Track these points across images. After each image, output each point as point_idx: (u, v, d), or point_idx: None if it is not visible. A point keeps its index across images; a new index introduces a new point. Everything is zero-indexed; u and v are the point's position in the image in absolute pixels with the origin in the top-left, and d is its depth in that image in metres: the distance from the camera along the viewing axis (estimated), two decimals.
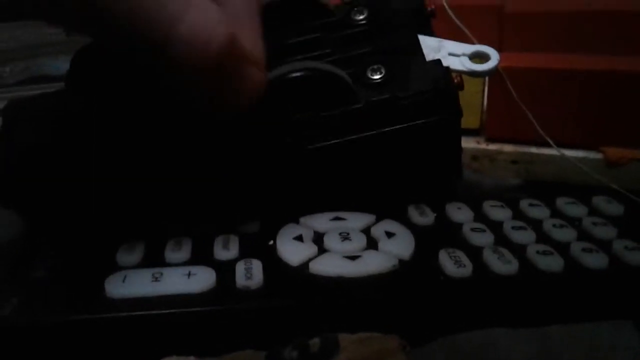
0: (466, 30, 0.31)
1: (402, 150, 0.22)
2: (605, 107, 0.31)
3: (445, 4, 0.32)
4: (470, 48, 0.23)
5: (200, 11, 0.16)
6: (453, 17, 0.32)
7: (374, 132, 0.22)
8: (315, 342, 0.17)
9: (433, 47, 0.23)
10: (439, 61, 0.22)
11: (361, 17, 0.23)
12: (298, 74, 0.21)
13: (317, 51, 0.22)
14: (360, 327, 0.18)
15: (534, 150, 0.32)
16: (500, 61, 0.22)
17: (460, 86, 0.22)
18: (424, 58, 0.22)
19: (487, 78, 0.31)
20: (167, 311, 0.18)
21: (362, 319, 0.18)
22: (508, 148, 0.33)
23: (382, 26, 0.23)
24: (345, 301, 0.18)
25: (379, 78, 0.22)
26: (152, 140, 0.22)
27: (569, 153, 0.30)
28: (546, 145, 0.30)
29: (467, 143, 0.31)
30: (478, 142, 0.33)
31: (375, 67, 0.22)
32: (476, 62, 0.23)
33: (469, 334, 0.18)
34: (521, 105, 0.28)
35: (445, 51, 0.23)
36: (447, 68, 0.22)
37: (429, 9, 0.24)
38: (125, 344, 0.18)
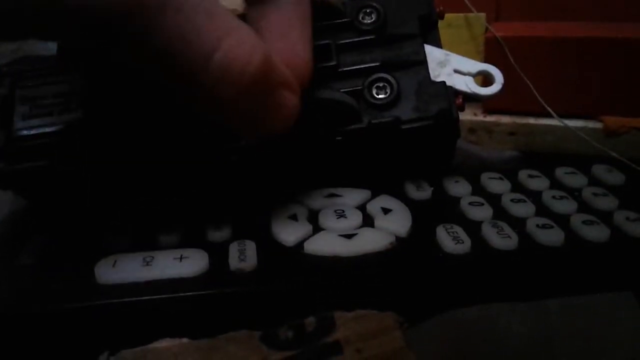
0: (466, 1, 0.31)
1: (398, 150, 0.23)
2: (605, 76, 0.30)
3: None
4: (476, 67, 0.23)
5: (237, 38, 0.16)
6: None
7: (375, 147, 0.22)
8: (310, 321, 0.17)
9: (439, 61, 0.23)
10: (443, 84, 0.22)
11: (369, 21, 0.23)
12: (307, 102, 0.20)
13: (324, 62, 0.22)
14: (357, 306, 0.17)
15: (532, 121, 0.31)
16: (504, 84, 0.23)
17: (462, 107, 0.22)
18: (429, 77, 0.22)
19: (484, 47, 0.31)
20: (160, 297, 0.17)
21: (358, 298, 0.17)
22: (506, 119, 0.32)
23: (389, 35, 0.23)
24: (342, 281, 0.18)
25: (384, 98, 0.22)
26: (144, 122, 0.21)
27: (568, 123, 0.29)
28: (544, 115, 0.29)
29: (464, 115, 0.31)
30: (475, 114, 0.32)
31: (381, 85, 0.22)
32: (479, 82, 0.23)
33: (467, 309, 0.18)
34: (521, 75, 0.28)
35: (450, 67, 0.22)
36: (452, 92, 0.22)
37: (438, 10, 0.23)
38: (117, 330, 0.17)
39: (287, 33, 0.19)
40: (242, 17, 0.19)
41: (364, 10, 0.23)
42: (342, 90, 0.22)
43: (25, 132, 0.22)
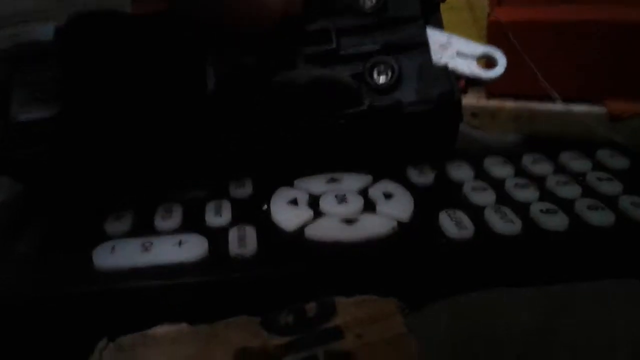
0: None
1: (400, 134, 0.23)
2: (610, 59, 0.30)
3: None
4: (478, 49, 0.22)
5: None
6: None
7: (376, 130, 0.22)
8: (311, 306, 0.17)
9: (441, 44, 0.22)
10: (445, 67, 0.22)
11: (370, 4, 0.22)
12: (303, 81, 0.21)
13: (325, 45, 0.22)
14: (359, 292, 0.17)
15: (535, 105, 0.31)
16: (506, 67, 0.22)
17: (464, 91, 0.22)
18: (431, 60, 0.22)
19: (486, 31, 0.30)
20: (159, 282, 0.17)
21: (360, 284, 0.17)
22: (509, 103, 0.32)
23: (390, 17, 0.22)
24: (343, 266, 0.18)
25: (385, 82, 0.22)
26: (140, 107, 0.21)
27: (572, 107, 0.29)
28: (548, 100, 0.29)
29: (467, 99, 0.31)
30: (478, 98, 0.32)
31: (382, 68, 0.22)
32: (481, 65, 0.22)
33: (470, 295, 0.18)
34: (524, 58, 0.27)
35: (453, 50, 0.22)
36: (454, 75, 0.22)
37: None
38: (115, 316, 0.17)
39: None
40: None
41: None
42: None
43: (23, 118, 0.21)
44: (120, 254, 0.18)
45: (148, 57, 0.22)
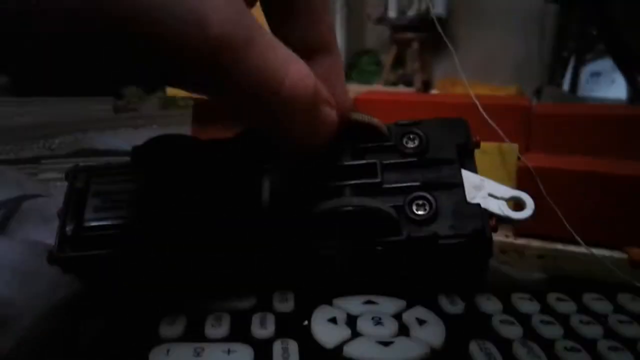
0: (497, 128, 0.33)
1: (434, 264, 0.24)
2: (630, 209, 0.32)
3: (477, 103, 0.34)
4: (509, 192, 0.24)
5: (298, 68, 0.19)
6: (485, 115, 0.33)
7: (412, 259, 0.24)
8: None
9: (475, 185, 0.24)
10: (478, 205, 0.24)
11: (412, 145, 0.25)
12: (350, 208, 0.23)
13: (370, 179, 0.24)
14: None
15: (560, 246, 0.33)
16: (534, 210, 0.24)
17: (495, 229, 0.23)
18: (466, 199, 0.24)
19: (516, 175, 0.33)
20: None
21: None
22: (535, 243, 0.33)
23: (430, 159, 0.25)
24: None
25: (423, 214, 0.23)
26: (200, 218, 0.23)
27: (595, 251, 0.31)
28: (572, 242, 0.30)
29: (497, 236, 0.32)
30: (507, 236, 0.34)
31: (421, 202, 0.24)
32: (511, 206, 0.24)
33: None
34: (550, 202, 0.29)
35: (485, 191, 0.24)
36: (486, 214, 0.24)
37: (475, 139, 0.25)
38: None
39: (334, 78, 0.24)
40: None
41: (407, 135, 0.25)
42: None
43: (94, 223, 0.24)
44: (175, 357, 0.19)
45: (210, 175, 0.24)
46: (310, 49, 0.22)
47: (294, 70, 0.19)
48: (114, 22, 0.15)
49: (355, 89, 0.55)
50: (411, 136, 0.25)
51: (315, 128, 0.21)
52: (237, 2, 0.18)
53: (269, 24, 0.23)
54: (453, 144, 0.25)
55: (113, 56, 0.17)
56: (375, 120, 0.25)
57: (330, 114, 0.22)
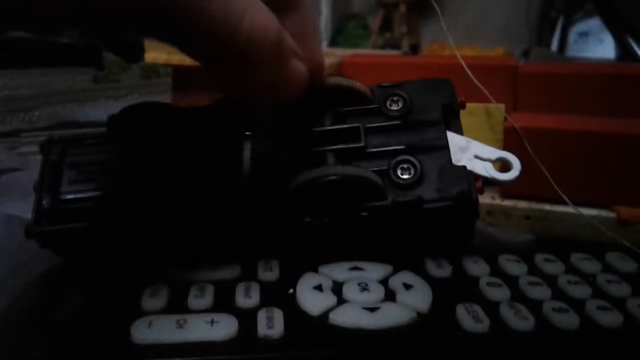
0: (483, 88, 0.32)
1: (420, 228, 0.24)
2: (619, 168, 0.31)
3: (463, 64, 0.34)
4: (495, 153, 0.24)
5: (257, 11, 0.19)
6: (471, 76, 0.33)
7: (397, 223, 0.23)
8: None
9: (461, 147, 0.24)
10: (464, 168, 0.23)
11: (396, 108, 0.24)
12: (333, 177, 0.22)
13: (353, 143, 0.24)
14: None
15: (547, 207, 0.33)
16: (521, 171, 0.24)
17: (481, 191, 0.23)
18: (451, 161, 0.23)
19: (503, 135, 0.32)
20: (192, 359, 0.18)
21: None
22: (522, 204, 0.33)
23: (414, 121, 0.24)
24: (365, 354, 0.19)
25: (408, 178, 0.23)
26: (179, 189, 0.23)
27: (583, 211, 0.30)
28: (560, 202, 0.30)
29: (483, 198, 0.32)
30: (493, 198, 0.34)
31: (405, 166, 0.23)
32: (497, 167, 0.24)
33: None
34: (537, 163, 0.29)
35: (471, 153, 0.24)
36: (472, 176, 0.23)
37: (460, 100, 0.25)
38: None
39: (304, 34, 0.23)
40: None
41: (391, 98, 0.25)
42: (369, 169, 0.23)
43: (70, 196, 0.23)
44: (157, 330, 0.19)
45: (189, 144, 0.24)
46: (278, 7, 0.21)
47: (252, 11, 0.19)
48: None
49: (342, 53, 0.54)
50: (395, 98, 0.24)
51: (283, 80, 0.21)
52: None
53: None
54: (438, 105, 0.24)
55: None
56: (358, 84, 0.24)
57: (299, 66, 0.21)
